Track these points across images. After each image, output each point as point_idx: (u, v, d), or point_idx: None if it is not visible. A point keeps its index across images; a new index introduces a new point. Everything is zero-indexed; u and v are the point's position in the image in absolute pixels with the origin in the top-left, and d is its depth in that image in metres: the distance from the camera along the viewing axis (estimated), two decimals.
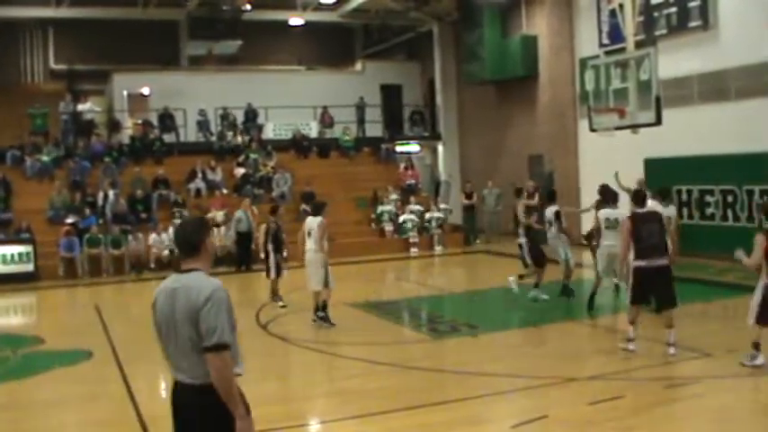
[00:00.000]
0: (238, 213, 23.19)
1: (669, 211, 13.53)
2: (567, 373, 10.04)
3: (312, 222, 14.07)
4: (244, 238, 22.94)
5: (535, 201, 17.54)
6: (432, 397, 9.31)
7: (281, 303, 16.37)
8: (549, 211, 15.77)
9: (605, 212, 13.57)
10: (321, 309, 13.94)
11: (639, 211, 11.08)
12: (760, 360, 9.75)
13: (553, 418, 8.33)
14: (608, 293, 15.25)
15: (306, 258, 14.08)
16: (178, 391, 4.96)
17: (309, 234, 14.09)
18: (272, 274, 16.47)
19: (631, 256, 10.97)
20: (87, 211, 24.01)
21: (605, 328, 13.55)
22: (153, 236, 23.41)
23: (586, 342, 12.86)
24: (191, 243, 4.99)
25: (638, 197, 11.32)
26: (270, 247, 16.46)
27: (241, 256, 23.21)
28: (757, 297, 10.00)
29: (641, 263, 10.76)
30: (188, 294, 4.79)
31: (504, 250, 22.50)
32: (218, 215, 24.48)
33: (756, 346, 9.86)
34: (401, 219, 26.70)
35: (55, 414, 9.54)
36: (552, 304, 15.16)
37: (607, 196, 13.89)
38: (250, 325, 14.58)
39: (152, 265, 23.10)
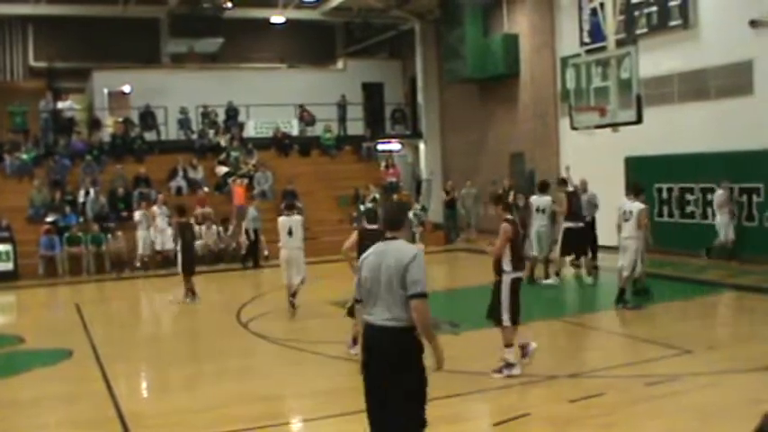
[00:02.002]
0: (251, 211, 23.33)
1: (633, 206, 13.95)
2: (548, 370, 10.06)
3: (292, 221, 15.01)
4: (253, 236, 23.24)
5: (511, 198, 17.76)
6: None
7: (185, 300, 17.16)
8: (544, 201, 16.32)
9: (618, 205, 14.19)
10: (292, 296, 15.13)
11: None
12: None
13: (535, 415, 8.36)
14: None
15: (289, 255, 14.91)
16: (375, 333, 5.91)
17: (291, 233, 14.87)
18: (180, 270, 17.22)
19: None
20: (67, 209, 23.88)
21: (586, 326, 13.59)
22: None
23: (567, 340, 12.91)
24: (395, 220, 6.28)
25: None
26: (179, 246, 17.20)
27: (251, 253, 23.42)
28: (505, 294, 10.14)
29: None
30: (396, 255, 5.94)
31: (486, 248, 22.50)
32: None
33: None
34: None
35: (35, 413, 9.48)
36: (533, 302, 15.18)
37: (628, 190, 14.76)
38: (231, 324, 14.56)
39: (137, 264, 23.06)
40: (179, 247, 17.40)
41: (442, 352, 5.99)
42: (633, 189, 14.57)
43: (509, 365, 9.92)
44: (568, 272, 17.90)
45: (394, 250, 5.99)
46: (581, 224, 17.24)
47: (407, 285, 5.80)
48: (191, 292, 17.35)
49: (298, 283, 15.09)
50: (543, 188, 17.45)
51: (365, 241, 10.42)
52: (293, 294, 15.11)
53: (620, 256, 14.17)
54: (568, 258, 17.77)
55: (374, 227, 11.00)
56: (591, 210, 17.71)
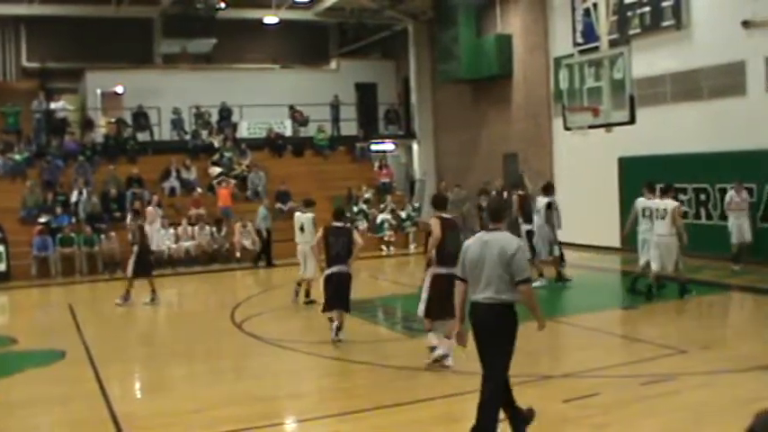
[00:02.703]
0: (262, 210, 23.55)
1: (667, 204, 14.43)
2: (542, 370, 10.06)
3: (304, 218, 15.98)
4: (267, 234, 23.49)
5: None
6: (407, 395, 9.31)
7: (118, 301, 17.25)
8: (541, 203, 16.53)
9: (655, 202, 14.51)
10: (307, 295, 15.81)
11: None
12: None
13: None
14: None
15: (301, 249, 15.91)
16: (482, 308, 7.17)
17: (302, 229, 15.91)
18: (130, 273, 17.35)
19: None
20: (59, 210, 23.81)
21: (580, 326, 13.59)
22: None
23: (562, 339, 12.90)
24: (499, 212, 7.56)
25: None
26: (134, 247, 17.42)
27: (263, 252, 23.65)
28: (425, 287, 10.51)
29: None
30: (500, 245, 7.09)
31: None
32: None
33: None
34: (378, 219, 26.68)
35: (28, 415, 9.45)
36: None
37: (650, 188, 15.02)
38: (225, 324, 14.55)
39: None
40: (135, 250, 17.51)
41: (544, 319, 7.56)
42: (663, 187, 14.74)
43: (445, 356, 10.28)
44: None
45: (498, 240, 7.16)
46: (531, 226, 17.48)
47: (514, 273, 7.03)
48: (128, 293, 17.44)
49: (308, 278, 15.74)
50: (546, 190, 17.44)
51: (329, 237, 12.19)
52: (306, 289, 15.91)
53: (650, 254, 14.66)
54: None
55: (339, 224, 12.47)
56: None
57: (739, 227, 17.75)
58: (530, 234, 17.17)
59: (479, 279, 7.16)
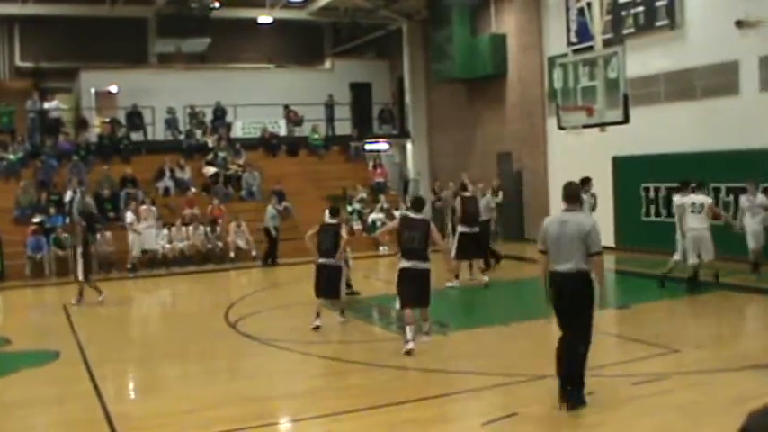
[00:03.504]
0: (270, 209, 23.67)
1: (704, 200, 15.18)
2: (536, 370, 10.06)
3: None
4: (275, 233, 23.63)
5: (499, 198, 17.89)
6: (402, 395, 9.32)
7: (73, 302, 17.37)
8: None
9: (690, 198, 15.08)
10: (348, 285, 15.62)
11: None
12: None
13: (523, 415, 8.37)
14: None
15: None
16: (560, 277, 8.40)
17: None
18: (80, 276, 17.51)
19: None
20: (52, 210, 23.73)
21: None
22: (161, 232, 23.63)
23: (555, 339, 12.91)
24: (575, 196, 8.78)
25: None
26: (78, 250, 17.68)
27: (270, 251, 23.70)
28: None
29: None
30: (577, 224, 8.39)
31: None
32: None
33: None
34: (371, 218, 26.66)
35: (23, 415, 9.44)
36: (521, 302, 15.22)
37: (685, 186, 15.53)
38: (219, 324, 14.54)
39: (129, 266, 23.02)
40: (80, 252, 17.69)
41: (607, 291, 8.99)
42: (698, 184, 15.46)
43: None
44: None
45: (575, 220, 8.45)
46: (476, 229, 17.56)
47: (589, 246, 8.26)
48: (81, 294, 17.56)
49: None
50: (584, 183, 17.33)
51: (322, 233, 13.54)
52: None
53: (686, 247, 15.19)
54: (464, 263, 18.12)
55: (333, 221, 13.76)
56: (488, 213, 19.13)
57: (754, 231, 16.76)
58: (465, 237, 17.18)
59: (560, 253, 8.38)
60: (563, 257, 8.36)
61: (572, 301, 8.39)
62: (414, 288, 11.55)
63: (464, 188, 18.23)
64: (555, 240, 8.43)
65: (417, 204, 12.24)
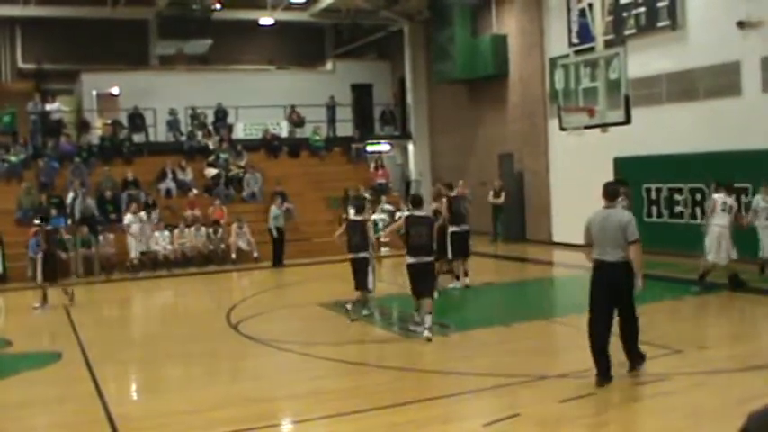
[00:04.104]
0: (274, 210, 23.63)
1: (733, 201, 15.43)
2: (537, 370, 10.07)
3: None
4: (280, 234, 23.64)
5: (501, 199, 17.79)
6: (403, 396, 9.31)
7: (36, 305, 17.45)
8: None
9: (722, 197, 15.31)
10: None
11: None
12: None
13: (524, 416, 8.36)
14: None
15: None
16: (604, 267, 9.31)
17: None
18: (40, 279, 17.71)
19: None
20: (53, 211, 23.70)
21: (575, 326, 13.58)
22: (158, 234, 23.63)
23: (557, 340, 12.93)
24: (613, 195, 9.57)
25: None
26: (39, 254, 17.84)
27: (277, 252, 23.68)
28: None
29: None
30: (617, 218, 9.31)
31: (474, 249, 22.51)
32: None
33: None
34: (373, 218, 26.61)
35: (24, 417, 9.44)
36: (522, 303, 15.20)
37: (719, 186, 15.68)
38: (221, 325, 14.54)
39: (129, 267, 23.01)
40: (41, 255, 17.82)
41: (645, 278, 9.37)
42: (727, 186, 15.57)
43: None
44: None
45: (615, 214, 9.38)
46: (466, 227, 17.50)
47: (627, 236, 9.15)
48: (44, 298, 17.59)
49: None
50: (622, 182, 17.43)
51: (349, 230, 14.47)
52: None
53: (711, 243, 15.21)
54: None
55: (358, 218, 14.72)
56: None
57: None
58: (454, 235, 17.13)
59: (604, 244, 9.28)
60: (609, 248, 9.24)
61: (619, 286, 9.25)
62: (422, 279, 12.57)
63: (450, 188, 18.18)
64: (599, 233, 9.32)
65: (417, 202, 13.27)
